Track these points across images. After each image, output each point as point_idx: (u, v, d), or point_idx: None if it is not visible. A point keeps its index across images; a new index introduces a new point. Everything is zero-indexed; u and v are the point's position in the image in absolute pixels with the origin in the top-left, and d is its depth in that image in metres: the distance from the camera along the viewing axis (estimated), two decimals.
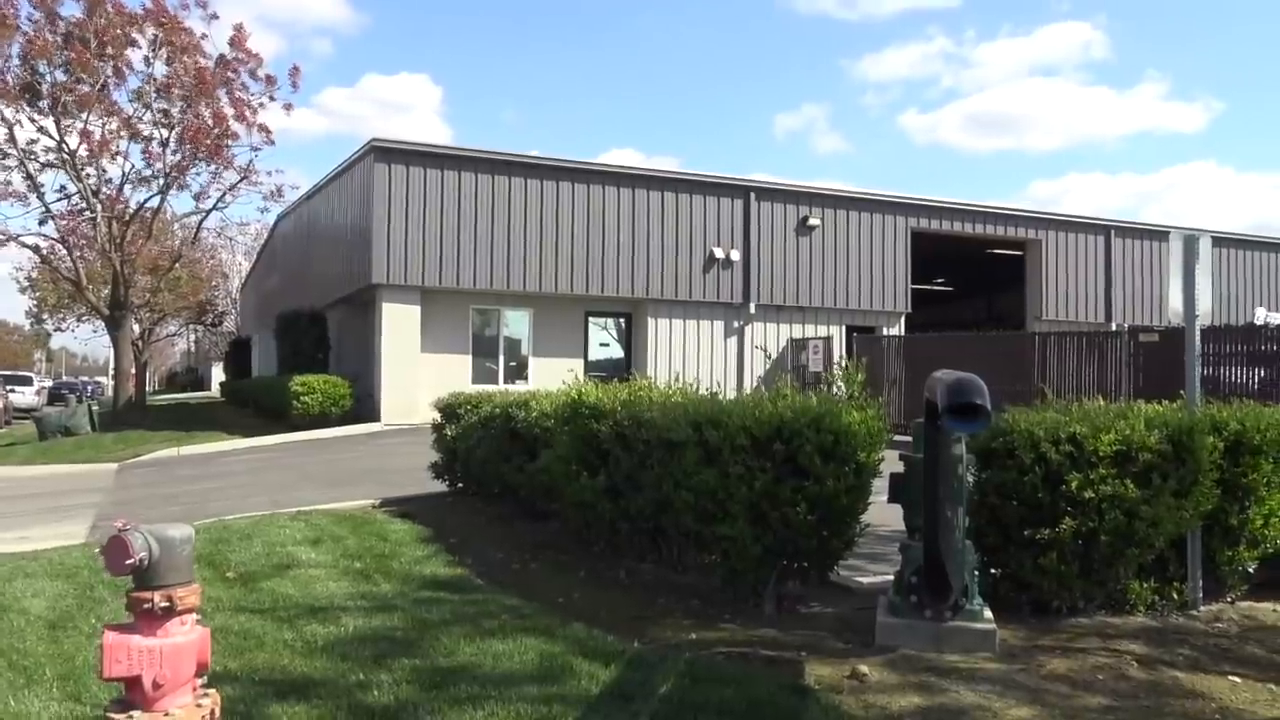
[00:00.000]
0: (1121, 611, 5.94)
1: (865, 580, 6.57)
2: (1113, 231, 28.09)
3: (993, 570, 5.89)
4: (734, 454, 5.86)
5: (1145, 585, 5.95)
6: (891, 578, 5.92)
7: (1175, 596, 6.02)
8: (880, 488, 5.88)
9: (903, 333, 24.88)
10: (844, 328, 24.74)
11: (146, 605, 2.67)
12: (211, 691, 2.87)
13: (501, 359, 23.15)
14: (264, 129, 24.27)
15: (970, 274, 34.14)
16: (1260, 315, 25.34)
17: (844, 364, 6.37)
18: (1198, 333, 6.17)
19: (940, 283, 35.60)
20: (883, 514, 6.28)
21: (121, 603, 5.94)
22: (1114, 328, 25.50)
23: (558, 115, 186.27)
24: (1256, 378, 15.17)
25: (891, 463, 5.94)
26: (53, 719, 4.18)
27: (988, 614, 5.28)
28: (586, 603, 6.24)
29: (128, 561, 2.62)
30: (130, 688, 2.70)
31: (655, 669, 4.80)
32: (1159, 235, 28.41)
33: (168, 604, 2.69)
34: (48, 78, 22.80)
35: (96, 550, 2.88)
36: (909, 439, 6.28)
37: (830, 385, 20.89)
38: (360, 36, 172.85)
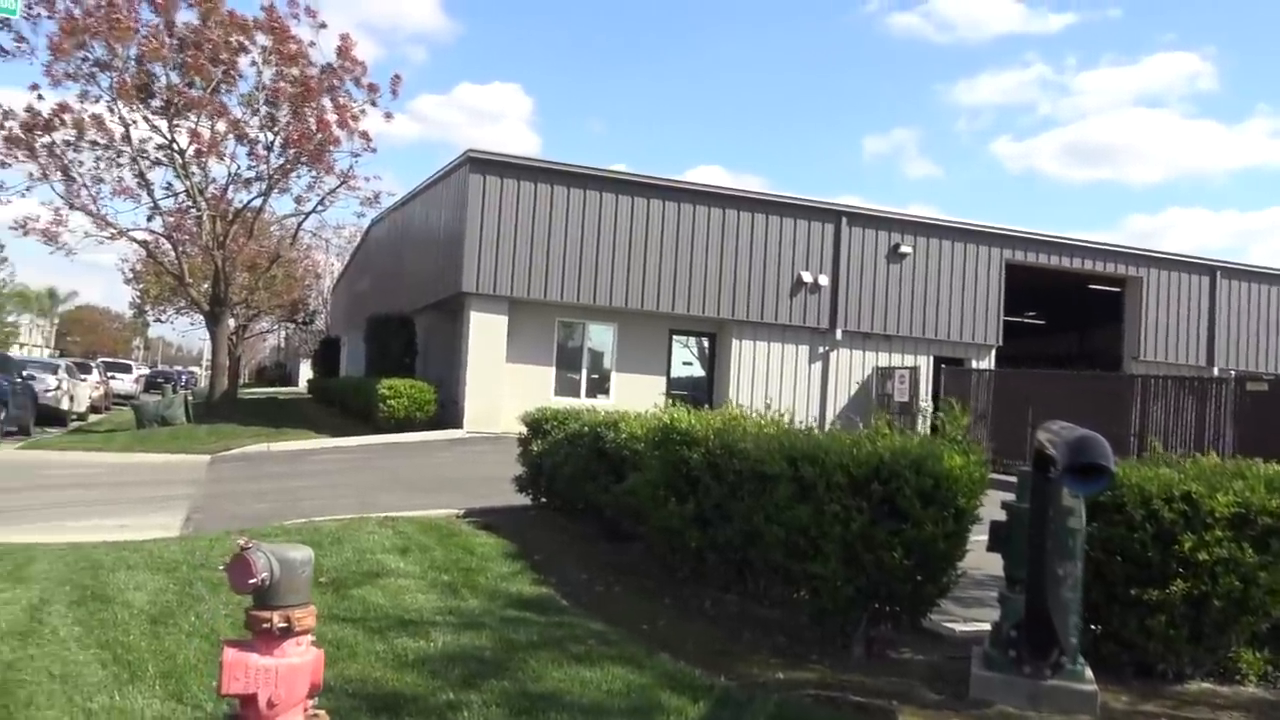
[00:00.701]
0: (1231, 680, 5.68)
1: (958, 628, 6.40)
2: (1219, 272, 27.12)
3: (1093, 627, 5.69)
4: (830, 492, 5.77)
5: (1258, 655, 5.68)
6: (985, 627, 5.77)
7: None
8: (979, 531, 5.74)
9: (993, 366, 24.35)
10: (931, 358, 24.30)
11: (265, 625, 2.71)
12: (321, 713, 2.90)
13: (584, 372, 23.27)
14: (364, 136, 24.89)
15: (1063, 308, 33.30)
16: None
17: (952, 402, 6.14)
18: None
19: (1031, 315, 34.80)
20: (979, 559, 6.12)
21: (219, 601, 6.12)
22: (1216, 373, 24.62)
23: (644, 129, 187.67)
24: None
25: (990, 506, 5.80)
26: (155, 718, 4.27)
27: (1089, 674, 5.09)
28: (671, 632, 6.20)
29: (250, 581, 2.67)
30: (245, 704, 2.74)
31: (743, 708, 4.73)
32: (1270, 279, 27.43)
33: (286, 624, 2.72)
34: (162, 79, 23.71)
35: (220, 567, 2.93)
36: (995, 476, 6.14)
37: (916, 416, 20.59)
38: (455, 45, 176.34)
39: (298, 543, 3.02)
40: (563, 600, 6.83)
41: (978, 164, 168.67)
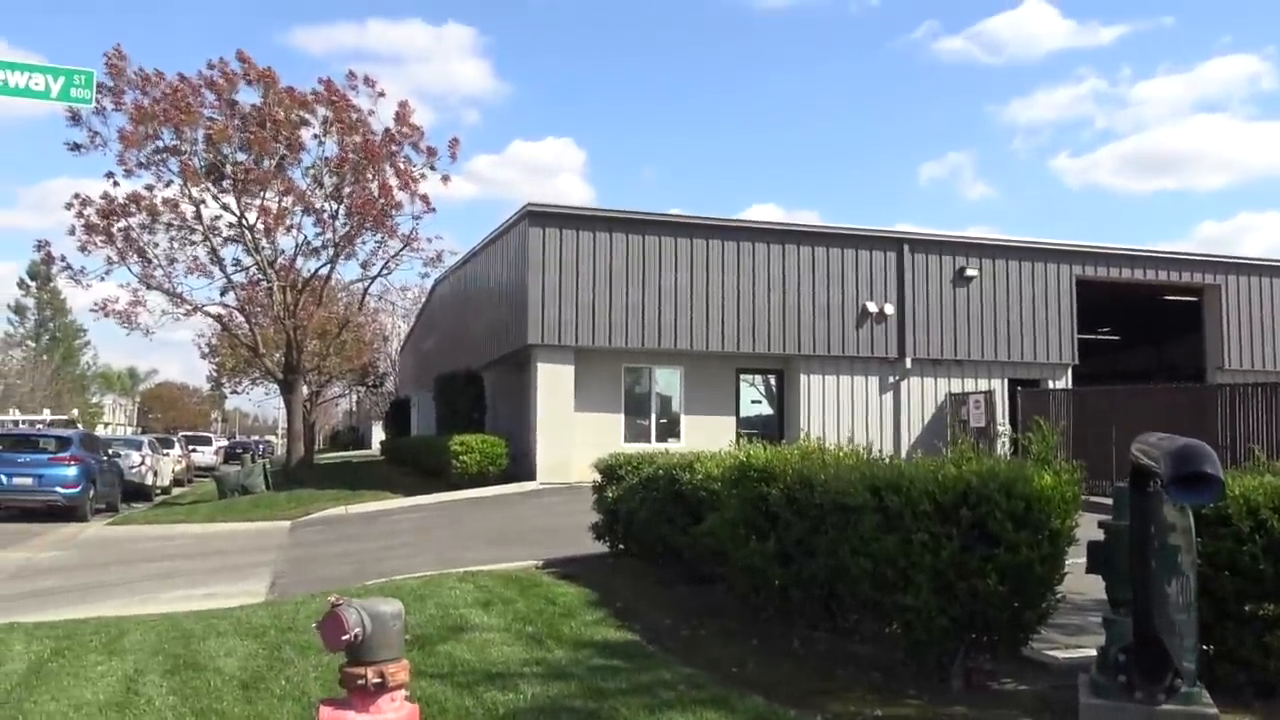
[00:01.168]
0: None
1: (1060, 655, 6.16)
2: None
3: (1205, 647, 5.42)
4: (916, 520, 5.62)
5: None
6: (1089, 653, 5.54)
7: None
8: (1075, 554, 5.54)
9: (1070, 385, 23.76)
10: (1005, 381, 23.78)
11: (360, 681, 2.69)
12: None
13: (653, 417, 23.22)
14: (424, 199, 25.39)
15: (1139, 322, 32.47)
16: None
17: (1040, 421, 5.93)
18: None
19: (1105, 331, 33.96)
20: (1076, 582, 5.90)
21: (309, 663, 6.13)
22: None
23: (696, 173, 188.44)
24: None
25: (1083, 527, 5.60)
26: None
27: (1207, 698, 4.83)
28: (761, 673, 6.06)
29: (343, 637, 2.65)
30: None
31: None
32: None
33: (380, 680, 2.70)
34: (229, 159, 24.51)
35: (314, 624, 2.92)
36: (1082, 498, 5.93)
37: (994, 441, 20.12)
38: (506, 105, 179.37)
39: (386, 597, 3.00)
40: (648, 646, 6.74)
41: (1037, 182, 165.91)
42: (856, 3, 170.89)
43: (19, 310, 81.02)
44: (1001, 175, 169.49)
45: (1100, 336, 33.53)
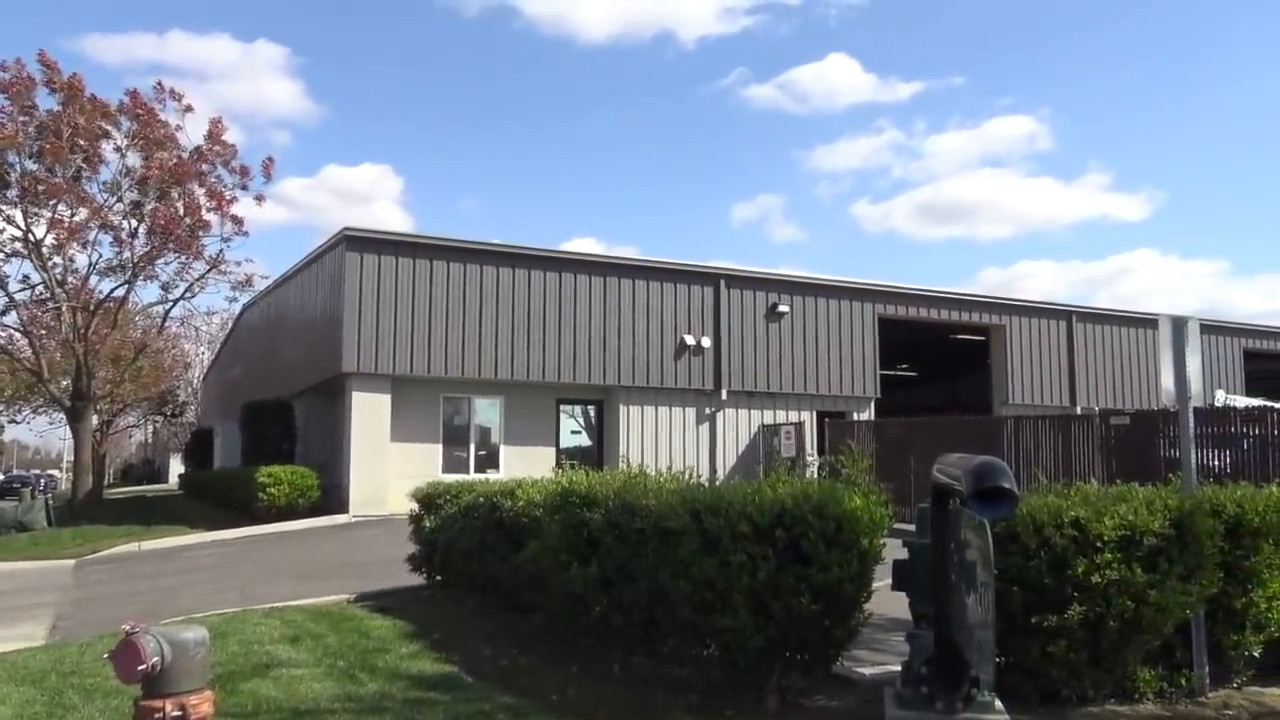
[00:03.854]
0: (1130, 700, 5.83)
1: (868, 672, 6.41)
2: (1074, 316, 28.61)
3: (998, 658, 5.77)
4: (735, 542, 5.75)
5: (1153, 672, 5.87)
6: (894, 668, 5.80)
7: (1183, 683, 5.94)
8: (882, 575, 5.79)
9: (872, 418, 24.97)
10: (814, 413, 24.78)
11: (157, 715, 2.50)
12: None
13: (472, 447, 22.88)
14: (235, 220, 24.27)
15: (933, 359, 34.53)
16: (1220, 397, 25.75)
17: (850, 445, 6.24)
18: (1191, 414, 6.20)
19: (904, 368, 35.95)
20: (883, 602, 6.17)
21: (94, 708, 5.69)
22: (1079, 411, 25.81)
23: (516, 204, 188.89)
24: (1226, 459, 15.26)
25: (888, 550, 5.87)
26: None
27: (999, 705, 5.13)
28: (583, 699, 6.03)
29: (139, 668, 2.46)
30: None
31: None
32: (1120, 320, 29.07)
33: (180, 713, 2.52)
34: (17, 167, 22.69)
35: (105, 655, 2.70)
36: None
37: (804, 470, 20.88)
38: (320, 128, 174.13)
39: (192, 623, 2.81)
40: (467, 677, 6.60)
41: (840, 226, 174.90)
42: (672, 46, 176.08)
43: None
44: (808, 218, 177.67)
45: (900, 373, 35.47)
